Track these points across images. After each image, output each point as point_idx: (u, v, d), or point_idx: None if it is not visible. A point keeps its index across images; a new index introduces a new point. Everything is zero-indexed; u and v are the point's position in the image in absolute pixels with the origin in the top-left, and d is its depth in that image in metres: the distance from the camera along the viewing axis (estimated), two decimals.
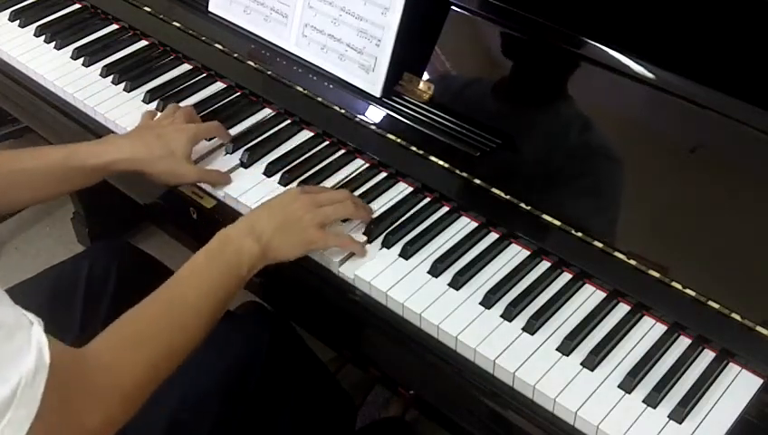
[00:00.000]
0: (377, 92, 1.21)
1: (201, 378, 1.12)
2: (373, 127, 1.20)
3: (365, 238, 1.08)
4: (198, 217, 1.21)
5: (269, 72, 1.31)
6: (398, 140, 1.18)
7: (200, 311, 0.93)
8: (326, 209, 1.05)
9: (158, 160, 1.14)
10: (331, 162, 1.20)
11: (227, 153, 1.22)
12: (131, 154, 1.13)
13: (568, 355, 0.95)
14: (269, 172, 1.18)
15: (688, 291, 0.97)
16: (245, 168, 1.20)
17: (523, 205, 1.08)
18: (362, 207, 1.11)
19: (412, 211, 1.13)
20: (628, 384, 0.91)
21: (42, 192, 1.13)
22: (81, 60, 1.41)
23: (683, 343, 0.96)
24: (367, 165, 1.20)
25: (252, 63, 1.33)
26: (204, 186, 1.19)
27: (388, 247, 1.07)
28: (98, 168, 1.12)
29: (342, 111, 1.23)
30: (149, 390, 0.86)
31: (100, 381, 0.80)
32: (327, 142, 1.24)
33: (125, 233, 2.07)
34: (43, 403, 0.70)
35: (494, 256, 1.06)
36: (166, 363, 0.88)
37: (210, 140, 1.24)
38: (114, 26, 1.50)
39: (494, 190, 1.10)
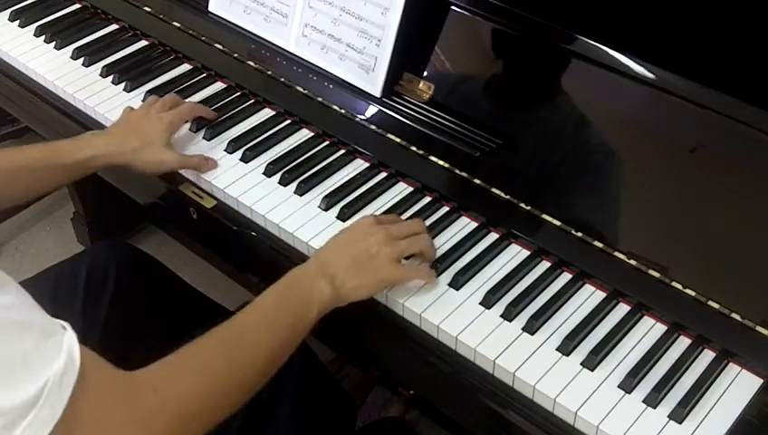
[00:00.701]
0: (377, 92, 1.21)
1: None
2: (373, 127, 1.20)
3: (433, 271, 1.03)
4: (198, 217, 1.21)
5: (269, 72, 1.31)
6: (398, 140, 1.18)
7: (264, 351, 0.89)
8: (402, 244, 1.00)
9: (136, 152, 1.15)
10: (331, 162, 1.20)
11: (227, 153, 1.22)
12: (108, 149, 1.15)
13: (568, 355, 0.95)
14: (269, 172, 1.18)
15: (688, 291, 0.97)
16: (245, 168, 1.20)
17: (522, 205, 1.08)
18: (429, 235, 1.06)
19: (412, 211, 1.12)
20: (628, 384, 0.91)
21: (24, 191, 1.14)
22: (81, 60, 1.41)
23: (683, 343, 0.96)
24: (367, 165, 1.20)
25: (252, 63, 1.33)
26: (203, 185, 1.19)
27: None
28: (77, 164, 1.14)
29: (342, 111, 1.23)
30: (202, 424, 0.82)
31: (147, 404, 0.78)
32: (327, 142, 1.24)
33: (125, 233, 2.07)
34: (73, 410, 0.70)
35: (494, 256, 1.06)
36: (221, 400, 0.84)
37: (211, 140, 1.24)
38: (114, 26, 1.50)
39: (494, 190, 1.10)
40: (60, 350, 0.71)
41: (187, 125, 1.26)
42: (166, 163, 1.17)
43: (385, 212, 1.12)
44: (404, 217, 1.12)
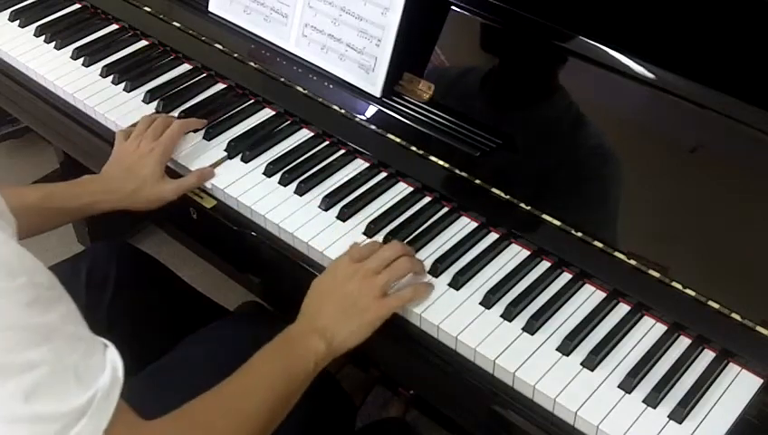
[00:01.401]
0: (377, 92, 1.21)
1: (200, 378, 1.12)
2: (373, 127, 1.20)
3: (427, 277, 1.03)
4: (198, 217, 1.21)
5: (269, 72, 1.31)
6: (398, 140, 1.18)
7: (263, 405, 0.89)
8: (382, 277, 0.99)
9: (132, 194, 1.15)
10: (331, 162, 1.20)
11: (227, 154, 1.22)
12: (105, 196, 1.15)
13: (568, 355, 0.95)
14: (269, 172, 1.18)
15: (688, 291, 0.97)
16: (245, 168, 1.20)
17: (522, 205, 1.08)
18: (413, 256, 1.05)
19: (412, 211, 1.13)
20: (628, 384, 0.91)
21: (25, 230, 1.13)
22: (81, 60, 1.41)
23: (683, 343, 0.96)
24: (367, 165, 1.20)
25: (252, 63, 1.33)
26: (204, 185, 1.19)
27: None
28: (78, 209, 1.15)
29: (342, 111, 1.23)
30: None
31: None
32: (327, 142, 1.24)
33: (125, 233, 2.07)
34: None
35: (494, 256, 1.06)
36: None
37: (211, 140, 1.24)
38: (114, 26, 1.50)
39: (494, 190, 1.10)
40: (105, 364, 0.74)
41: None
42: (164, 198, 1.17)
43: (385, 212, 1.12)
44: (404, 217, 1.12)
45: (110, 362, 0.74)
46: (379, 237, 1.09)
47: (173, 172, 1.22)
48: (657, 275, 0.99)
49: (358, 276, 0.99)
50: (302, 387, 0.95)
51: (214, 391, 0.88)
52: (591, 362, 0.93)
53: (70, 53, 1.42)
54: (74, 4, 1.55)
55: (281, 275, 1.17)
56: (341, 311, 0.97)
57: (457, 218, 1.11)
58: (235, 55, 1.35)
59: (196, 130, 1.25)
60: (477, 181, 1.11)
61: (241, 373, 0.91)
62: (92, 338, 0.75)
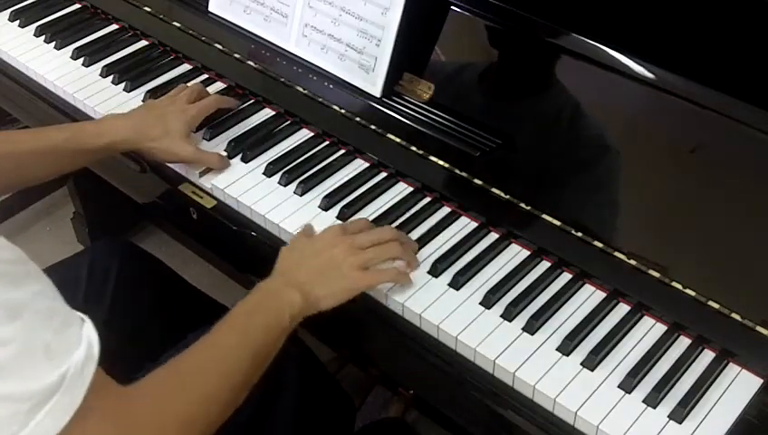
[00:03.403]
0: (377, 92, 1.21)
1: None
2: (373, 127, 1.20)
3: (408, 268, 1.03)
4: (198, 217, 1.21)
5: (269, 72, 1.31)
6: (398, 140, 1.18)
7: (241, 365, 0.90)
8: (367, 253, 1.00)
9: (154, 141, 1.16)
10: (331, 162, 1.20)
11: (227, 153, 1.22)
12: (129, 136, 1.16)
13: (568, 355, 0.95)
14: (269, 172, 1.18)
15: (688, 291, 0.97)
16: (245, 168, 1.20)
17: (523, 205, 1.08)
18: (408, 244, 1.06)
19: (412, 211, 1.12)
20: (628, 384, 0.91)
21: (44, 172, 1.16)
22: (81, 60, 1.41)
23: (683, 343, 0.96)
24: (367, 165, 1.20)
25: (252, 63, 1.33)
26: (203, 185, 1.19)
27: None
28: (99, 149, 1.16)
29: (342, 111, 1.23)
30: (199, 432, 0.84)
31: (144, 421, 0.79)
32: (327, 142, 1.24)
33: (125, 233, 2.07)
34: (88, 419, 0.71)
35: (494, 256, 1.06)
36: (206, 415, 0.85)
37: (211, 140, 1.24)
38: (114, 26, 1.50)
39: (494, 190, 1.10)
40: (80, 340, 0.72)
41: None
42: (181, 155, 1.18)
43: (385, 212, 1.12)
44: (404, 217, 1.12)
45: (85, 338, 0.73)
46: None
47: (171, 171, 1.22)
48: (657, 275, 0.99)
49: (344, 245, 1.00)
50: (279, 341, 0.94)
51: (191, 349, 0.88)
52: (591, 362, 0.93)
53: (70, 53, 1.42)
54: (74, 4, 1.55)
55: None
56: (321, 271, 0.98)
57: (457, 218, 1.11)
58: (235, 55, 1.35)
59: (197, 130, 1.25)
60: (477, 181, 1.11)
61: (218, 329, 0.91)
62: (68, 313, 0.74)
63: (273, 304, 0.95)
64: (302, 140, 1.24)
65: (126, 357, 0.95)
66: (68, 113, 1.36)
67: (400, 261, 1.03)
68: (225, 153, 1.22)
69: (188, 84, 1.29)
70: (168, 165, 1.21)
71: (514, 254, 1.07)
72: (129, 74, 1.37)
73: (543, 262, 1.05)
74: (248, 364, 0.90)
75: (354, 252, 1.00)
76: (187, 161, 1.19)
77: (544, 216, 1.06)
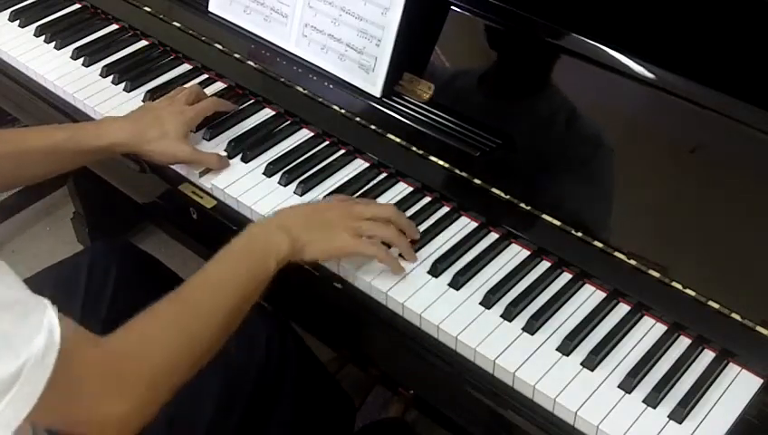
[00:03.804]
0: (377, 92, 1.21)
1: (199, 377, 1.12)
2: (373, 127, 1.20)
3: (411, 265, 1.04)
4: (198, 217, 1.21)
5: (269, 72, 1.31)
6: (398, 140, 1.18)
7: (226, 304, 0.92)
8: (364, 224, 1.02)
9: (152, 142, 1.17)
10: (331, 162, 1.20)
11: (227, 153, 1.22)
12: (127, 138, 1.16)
13: (568, 355, 0.95)
14: (269, 172, 1.18)
15: (688, 291, 0.97)
16: (245, 168, 1.20)
17: (523, 205, 1.08)
18: (409, 230, 1.06)
19: (412, 211, 1.12)
20: (628, 384, 0.91)
21: (44, 170, 1.17)
22: (81, 60, 1.41)
23: (683, 343, 0.96)
24: (367, 165, 1.20)
25: (252, 63, 1.33)
26: (203, 185, 1.19)
27: (389, 247, 1.07)
28: (97, 150, 1.16)
29: (342, 111, 1.23)
30: (176, 380, 0.86)
31: (125, 369, 0.81)
32: (327, 142, 1.24)
33: (125, 233, 2.07)
34: (56, 385, 0.72)
35: (494, 256, 1.06)
36: (190, 355, 0.87)
37: (211, 140, 1.24)
38: (114, 26, 1.50)
39: (494, 190, 1.10)
40: (40, 328, 0.72)
41: None
42: (178, 156, 1.18)
43: None
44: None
45: (46, 325, 0.73)
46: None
47: (171, 171, 1.22)
48: (657, 275, 0.99)
49: (342, 210, 1.03)
50: (262, 285, 0.96)
51: (178, 290, 0.89)
52: (591, 362, 0.93)
53: (70, 53, 1.42)
54: (74, 4, 1.55)
55: (280, 274, 1.17)
56: (312, 224, 1.01)
57: (457, 218, 1.11)
58: (235, 55, 1.35)
59: (196, 130, 1.25)
60: (477, 181, 1.11)
61: (206, 272, 0.93)
62: (28, 299, 0.74)
63: (260, 248, 0.97)
64: (302, 140, 1.24)
65: None
66: (68, 113, 1.36)
67: (395, 249, 1.04)
68: (225, 153, 1.22)
69: (186, 86, 1.29)
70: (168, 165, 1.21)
71: (514, 254, 1.07)
72: (129, 74, 1.37)
73: (543, 262, 1.05)
74: (232, 307, 0.92)
75: (350, 217, 1.02)
76: (185, 162, 1.19)
77: (544, 216, 1.06)
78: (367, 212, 1.04)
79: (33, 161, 1.13)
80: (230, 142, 1.23)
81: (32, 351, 0.71)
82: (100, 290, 1.22)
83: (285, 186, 1.17)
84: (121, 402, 0.80)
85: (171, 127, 1.17)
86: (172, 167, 1.21)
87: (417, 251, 1.06)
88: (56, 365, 0.72)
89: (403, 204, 1.13)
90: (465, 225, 1.11)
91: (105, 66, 1.39)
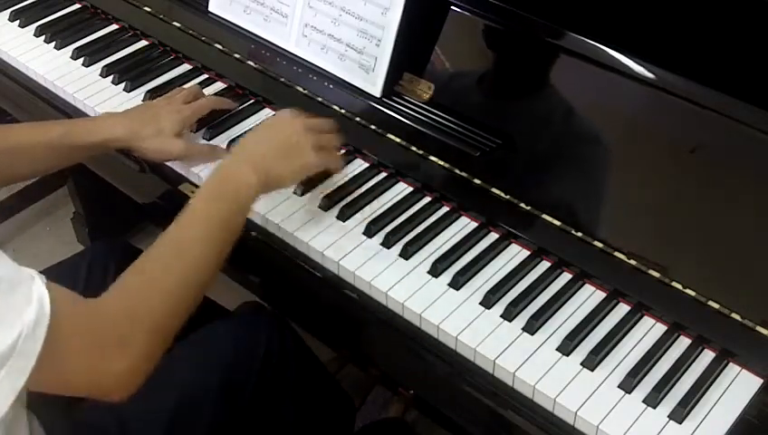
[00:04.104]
0: (377, 92, 1.21)
1: (199, 377, 1.12)
2: (373, 127, 1.20)
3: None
4: None
5: (269, 72, 1.31)
6: (398, 140, 1.18)
7: (208, 246, 0.93)
8: (322, 137, 1.08)
9: (146, 139, 1.17)
10: None
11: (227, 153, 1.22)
12: (122, 134, 1.17)
13: (568, 355, 0.95)
14: None
15: (688, 291, 0.97)
16: None
17: (523, 205, 1.08)
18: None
19: (412, 211, 1.12)
20: (628, 384, 0.91)
21: (40, 166, 1.18)
22: (81, 60, 1.41)
23: (683, 343, 0.96)
24: (367, 165, 1.20)
25: (252, 63, 1.33)
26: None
27: (389, 247, 1.07)
28: (93, 146, 1.17)
29: (342, 111, 1.23)
30: (173, 325, 0.88)
31: (120, 325, 0.83)
32: None
33: (125, 233, 2.07)
34: (50, 353, 0.74)
35: (494, 256, 1.06)
36: (183, 299, 0.89)
37: (211, 140, 1.24)
38: (114, 26, 1.50)
39: (494, 190, 1.10)
40: (30, 300, 0.74)
41: None
42: (174, 153, 1.19)
43: (385, 212, 1.12)
44: (404, 217, 1.12)
45: (35, 296, 0.74)
46: (379, 238, 1.08)
47: (171, 171, 1.22)
48: (657, 275, 0.99)
49: (298, 126, 1.06)
50: (239, 225, 0.98)
51: (157, 243, 0.91)
52: (591, 362, 0.93)
53: (70, 53, 1.42)
54: (74, 4, 1.55)
55: (281, 275, 1.17)
56: (279, 151, 1.03)
57: (457, 218, 1.11)
58: (235, 55, 1.35)
59: (196, 130, 1.25)
60: (477, 181, 1.11)
61: (180, 223, 0.94)
62: (16, 273, 0.75)
63: (231, 188, 0.99)
64: None
65: None
66: (68, 113, 1.36)
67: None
68: (224, 153, 1.22)
69: (186, 87, 1.29)
70: (168, 165, 1.21)
71: (514, 254, 1.07)
72: (129, 74, 1.37)
73: (543, 262, 1.05)
74: (212, 254, 0.93)
75: (308, 132, 1.06)
76: (179, 158, 1.20)
77: (544, 216, 1.06)
78: (318, 124, 1.10)
79: (28, 157, 1.13)
80: (230, 142, 1.23)
81: (23, 322, 0.73)
82: (100, 290, 1.21)
83: None
84: (122, 358, 0.82)
85: (167, 124, 1.18)
86: (172, 166, 1.22)
87: (417, 251, 1.07)
88: (47, 335, 0.74)
89: (403, 204, 1.13)
90: (465, 225, 1.11)
91: (105, 66, 1.39)
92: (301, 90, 1.27)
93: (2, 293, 0.73)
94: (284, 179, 1.05)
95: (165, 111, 1.20)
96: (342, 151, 1.21)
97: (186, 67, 1.40)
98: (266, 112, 1.29)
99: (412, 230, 1.09)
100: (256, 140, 1.06)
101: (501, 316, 0.99)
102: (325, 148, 1.09)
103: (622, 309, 1.00)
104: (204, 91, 1.34)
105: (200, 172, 1.19)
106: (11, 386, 0.72)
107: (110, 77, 1.37)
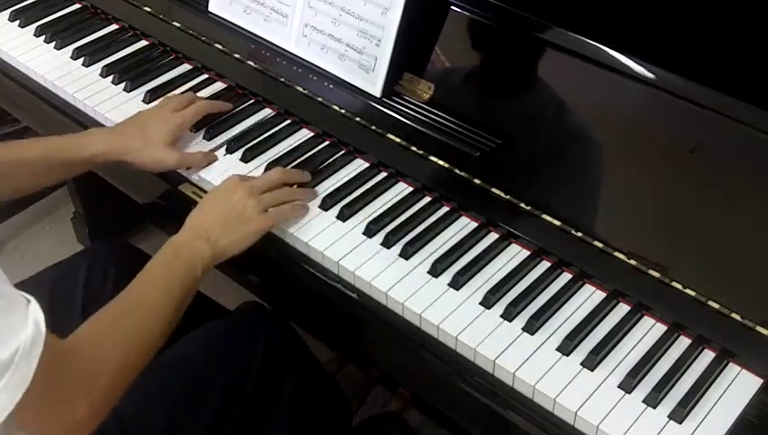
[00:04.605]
0: (377, 92, 1.21)
1: (199, 376, 1.12)
2: (373, 127, 1.20)
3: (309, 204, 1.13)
4: None
5: (269, 72, 1.31)
6: (398, 140, 1.18)
7: (163, 313, 0.96)
8: (266, 197, 1.09)
9: (137, 151, 1.17)
10: (331, 162, 1.20)
11: (227, 153, 1.22)
12: (109, 148, 1.17)
13: (568, 355, 0.95)
14: None
15: (688, 291, 0.97)
16: (245, 168, 1.20)
17: (523, 205, 1.08)
18: (298, 177, 1.14)
19: (412, 211, 1.12)
20: (628, 384, 0.91)
21: (25, 184, 1.17)
22: (81, 60, 1.41)
23: (683, 343, 0.96)
24: (367, 165, 1.20)
25: (252, 63, 1.33)
26: (203, 185, 1.19)
27: (388, 247, 1.07)
28: (80, 162, 1.17)
29: (342, 111, 1.23)
30: (124, 384, 0.89)
31: (86, 370, 0.84)
32: (327, 142, 1.24)
33: (125, 233, 2.07)
34: (36, 381, 0.74)
35: (494, 256, 1.06)
36: (137, 359, 0.91)
37: (211, 140, 1.24)
38: (114, 26, 1.50)
39: (494, 190, 1.10)
40: (26, 320, 0.76)
41: None
42: (166, 163, 1.18)
43: (385, 212, 1.12)
44: (404, 217, 1.12)
45: (32, 318, 0.76)
46: (379, 238, 1.09)
47: (171, 171, 1.21)
48: (657, 275, 0.99)
49: (243, 192, 1.08)
50: (193, 292, 1.01)
51: (114, 303, 0.93)
52: (591, 362, 0.93)
53: (70, 53, 1.42)
54: (74, 4, 1.55)
55: (281, 275, 1.17)
56: (226, 220, 1.05)
57: (457, 218, 1.11)
58: (235, 55, 1.35)
59: (196, 130, 1.25)
60: (477, 181, 1.11)
61: (140, 286, 0.97)
62: (13, 295, 0.77)
63: (187, 258, 1.01)
64: (302, 140, 1.24)
65: None
66: (68, 113, 1.36)
67: (314, 208, 1.12)
68: (225, 153, 1.22)
69: (177, 92, 1.28)
70: None
71: (514, 254, 1.07)
72: (129, 74, 1.37)
73: (543, 262, 1.05)
74: (170, 315, 0.97)
75: (253, 196, 1.08)
76: (173, 168, 1.20)
77: (544, 216, 1.06)
78: (264, 184, 1.10)
79: (15, 175, 1.13)
80: (230, 142, 1.23)
81: (20, 340, 0.74)
82: (100, 290, 1.22)
83: None
84: (84, 405, 0.83)
85: (156, 135, 1.17)
86: None
87: (417, 251, 1.07)
88: (42, 357, 0.75)
89: (403, 204, 1.13)
90: (465, 225, 1.11)
91: (105, 66, 1.39)
92: (301, 90, 1.27)
93: (2, 310, 0.74)
94: (234, 247, 1.05)
95: (153, 121, 1.20)
96: (342, 152, 1.22)
97: (186, 67, 1.40)
98: (266, 112, 1.29)
99: (412, 230, 1.09)
100: (203, 213, 1.07)
101: (501, 316, 0.99)
102: (274, 204, 1.09)
103: (622, 309, 1.00)
104: (204, 91, 1.34)
105: (201, 172, 1.19)
106: (8, 400, 0.73)
107: (110, 77, 1.37)
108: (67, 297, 1.20)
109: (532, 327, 0.97)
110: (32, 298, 0.77)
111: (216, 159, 1.21)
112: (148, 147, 1.17)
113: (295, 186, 1.14)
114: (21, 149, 1.15)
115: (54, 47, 1.44)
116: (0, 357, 0.72)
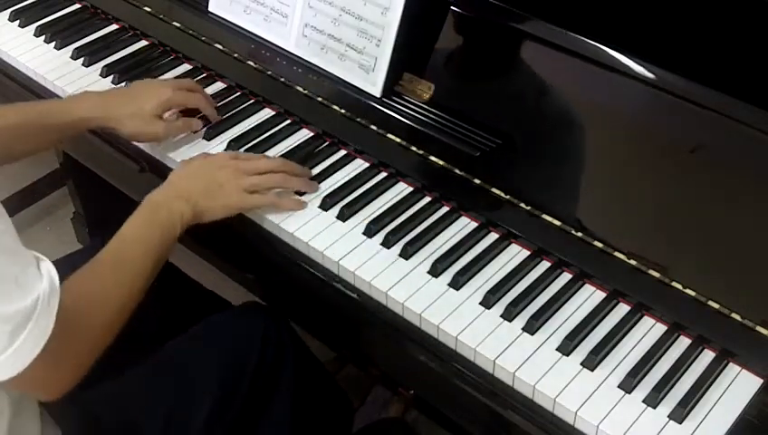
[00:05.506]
0: (377, 92, 1.21)
1: (198, 375, 1.12)
2: (373, 127, 1.20)
3: (302, 200, 1.13)
4: None
5: (269, 72, 1.31)
6: (398, 140, 1.18)
7: (142, 272, 0.98)
8: (252, 179, 1.09)
9: (126, 119, 1.17)
10: (331, 162, 1.20)
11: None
12: (101, 112, 1.17)
13: (568, 355, 0.95)
14: None
15: (688, 291, 0.97)
16: None
17: (523, 205, 1.08)
18: (298, 177, 1.14)
19: (412, 211, 1.12)
20: (628, 384, 0.91)
21: (18, 149, 1.17)
22: (81, 60, 1.41)
23: (683, 343, 0.96)
24: (367, 165, 1.20)
25: (252, 63, 1.33)
26: None
27: (388, 247, 1.07)
28: (68, 124, 1.17)
29: (342, 111, 1.23)
30: (106, 340, 0.92)
31: (80, 325, 0.87)
32: (327, 142, 1.24)
33: None
34: (53, 332, 0.79)
35: (494, 256, 1.06)
36: (118, 314, 0.94)
37: (211, 140, 1.24)
38: (114, 26, 1.50)
39: (494, 190, 1.10)
40: (41, 275, 0.81)
41: None
42: (153, 134, 1.19)
43: (385, 212, 1.12)
44: (404, 217, 1.11)
45: (45, 273, 0.81)
46: (379, 238, 1.09)
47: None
48: (657, 275, 0.99)
49: (230, 168, 1.09)
50: (171, 248, 1.03)
51: (97, 259, 0.95)
52: (591, 362, 0.93)
53: (70, 53, 1.42)
54: (74, 4, 1.55)
55: (280, 275, 1.17)
56: (206, 187, 1.07)
57: (457, 218, 1.11)
58: (235, 55, 1.35)
59: (196, 131, 1.25)
60: (477, 181, 1.11)
61: (121, 242, 0.98)
62: (26, 253, 0.82)
63: (166, 215, 1.02)
64: (301, 140, 1.24)
65: (123, 351, 0.96)
66: None
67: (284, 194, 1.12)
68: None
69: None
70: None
71: (514, 254, 1.07)
72: (129, 74, 1.37)
73: (543, 262, 1.05)
74: (150, 271, 0.98)
75: (238, 175, 1.08)
76: (157, 140, 1.20)
77: (544, 216, 1.06)
78: (252, 168, 1.10)
79: (5, 139, 1.13)
80: (230, 142, 1.23)
81: (40, 290, 0.79)
82: None
83: None
84: (76, 360, 0.87)
85: (146, 105, 1.18)
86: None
87: (417, 251, 1.07)
88: (59, 309, 0.80)
89: (403, 204, 1.13)
90: (465, 225, 1.11)
91: (105, 66, 1.39)
92: (301, 90, 1.27)
93: (22, 264, 0.79)
94: (212, 213, 1.07)
95: (144, 91, 1.20)
96: (342, 152, 1.21)
97: (186, 67, 1.40)
98: (266, 112, 1.29)
99: (412, 230, 1.09)
100: (185, 175, 1.08)
101: (501, 316, 0.99)
102: (260, 189, 1.10)
103: (622, 309, 1.00)
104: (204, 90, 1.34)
105: None
106: (34, 342, 0.78)
107: (110, 77, 1.37)
108: None
109: (532, 327, 0.97)
110: (43, 257, 0.82)
111: (200, 125, 1.22)
112: (135, 116, 1.17)
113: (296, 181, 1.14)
114: (12, 113, 1.15)
115: (54, 47, 1.44)
116: (24, 302, 0.77)
